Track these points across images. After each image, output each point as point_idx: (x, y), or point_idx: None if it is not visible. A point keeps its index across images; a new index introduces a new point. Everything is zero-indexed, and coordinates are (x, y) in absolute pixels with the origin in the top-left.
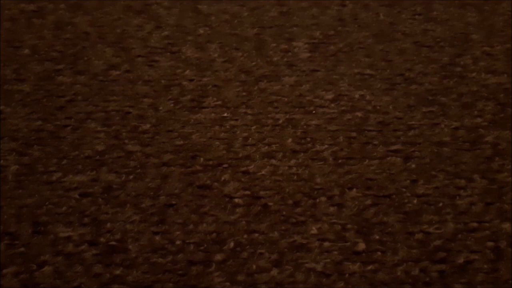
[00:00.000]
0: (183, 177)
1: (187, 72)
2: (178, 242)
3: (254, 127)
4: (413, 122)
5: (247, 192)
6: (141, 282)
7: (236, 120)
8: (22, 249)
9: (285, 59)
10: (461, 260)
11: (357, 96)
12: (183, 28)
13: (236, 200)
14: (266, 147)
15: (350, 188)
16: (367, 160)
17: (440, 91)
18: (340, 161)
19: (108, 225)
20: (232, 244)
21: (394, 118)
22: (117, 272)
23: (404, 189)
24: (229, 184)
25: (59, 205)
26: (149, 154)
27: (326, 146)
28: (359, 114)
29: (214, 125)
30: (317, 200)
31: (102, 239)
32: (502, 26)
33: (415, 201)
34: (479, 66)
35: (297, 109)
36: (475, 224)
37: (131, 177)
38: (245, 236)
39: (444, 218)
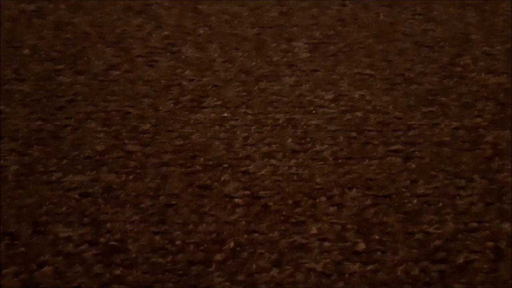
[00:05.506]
0: (183, 177)
1: (187, 72)
2: (178, 242)
3: (254, 127)
4: (413, 122)
5: (247, 192)
6: (141, 282)
7: (236, 120)
8: (22, 249)
9: (285, 59)
10: (461, 260)
11: (357, 96)
12: (183, 28)
13: (236, 200)
14: (266, 147)
15: (350, 188)
16: (367, 160)
17: (440, 91)
18: (340, 161)
19: (108, 225)
20: (232, 244)
21: (394, 118)
22: (117, 272)
23: (404, 189)
24: (229, 184)
25: (59, 205)
26: (149, 154)
27: (326, 146)
28: (359, 114)
29: (214, 125)
30: (317, 200)
31: (102, 239)
32: (502, 26)
33: (415, 201)
34: (479, 66)
35: (297, 109)
36: (475, 224)
37: (131, 177)
38: (245, 236)
39: (444, 218)
